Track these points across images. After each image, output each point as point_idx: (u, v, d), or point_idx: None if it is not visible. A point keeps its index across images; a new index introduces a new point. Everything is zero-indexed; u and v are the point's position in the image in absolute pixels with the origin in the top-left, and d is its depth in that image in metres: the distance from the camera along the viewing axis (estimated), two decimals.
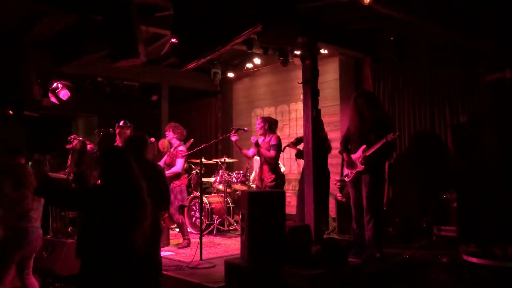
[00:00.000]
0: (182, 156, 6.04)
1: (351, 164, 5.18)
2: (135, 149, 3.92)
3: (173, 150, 6.13)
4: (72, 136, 7.01)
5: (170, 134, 6.21)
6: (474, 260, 4.49)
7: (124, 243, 2.86)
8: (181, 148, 6.08)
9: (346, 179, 5.38)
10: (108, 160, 2.98)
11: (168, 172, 6.00)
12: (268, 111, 8.67)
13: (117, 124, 6.58)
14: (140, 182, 2.95)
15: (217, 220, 7.03)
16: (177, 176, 6.02)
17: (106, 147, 3.84)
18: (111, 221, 2.82)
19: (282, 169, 6.33)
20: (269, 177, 5.95)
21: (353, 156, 5.16)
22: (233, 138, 6.15)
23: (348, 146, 5.26)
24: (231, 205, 7.32)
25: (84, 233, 2.94)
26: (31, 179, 4.18)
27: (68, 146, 6.82)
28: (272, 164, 6.02)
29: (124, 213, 2.84)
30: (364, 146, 5.02)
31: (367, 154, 4.95)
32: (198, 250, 5.13)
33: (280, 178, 6.06)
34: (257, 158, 6.37)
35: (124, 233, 2.86)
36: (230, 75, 8.92)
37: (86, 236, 2.90)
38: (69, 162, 6.89)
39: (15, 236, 4.00)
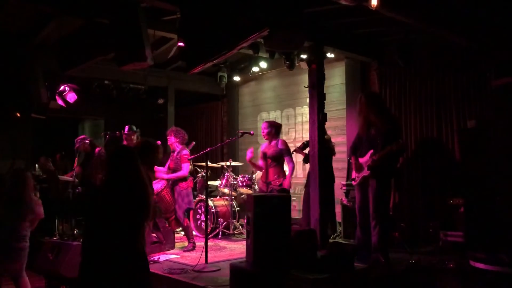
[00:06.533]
0: (187, 160, 6.04)
1: (358, 168, 5.19)
2: (143, 154, 3.94)
3: (177, 155, 6.10)
4: (81, 137, 7.06)
5: (172, 139, 6.19)
6: (481, 266, 4.44)
7: (127, 244, 2.86)
8: (185, 152, 6.07)
9: (353, 182, 5.37)
10: (116, 160, 2.99)
11: (172, 175, 6.00)
12: (274, 115, 8.67)
13: (122, 130, 6.61)
14: (146, 183, 2.96)
15: (222, 223, 7.02)
16: (184, 179, 6.02)
17: (114, 147, 3.85)
18: (115, 222, 2.82)
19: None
20: (276, 181, 5.92)
21: (361, 160, 5.18)
22: (249, 156, 6.05)
23: (357, 151, 5.27)
24: (236, 209, 7.31)
25: (88, 232, 2.94)
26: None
27: (77, 147, 6.86)
28: (278, 167, 6.00)
29: (129, 213, 2.85)
30: (372, 151, 5.04)
31: (375, 158, 4.97)
32: (203, 253, 5.13)
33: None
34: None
35: (128, 234, 2.86)
36: (236, 78, 8.95)
37: (90, 236, 2.90)
38: (75, 164, 6.93)
39: None
